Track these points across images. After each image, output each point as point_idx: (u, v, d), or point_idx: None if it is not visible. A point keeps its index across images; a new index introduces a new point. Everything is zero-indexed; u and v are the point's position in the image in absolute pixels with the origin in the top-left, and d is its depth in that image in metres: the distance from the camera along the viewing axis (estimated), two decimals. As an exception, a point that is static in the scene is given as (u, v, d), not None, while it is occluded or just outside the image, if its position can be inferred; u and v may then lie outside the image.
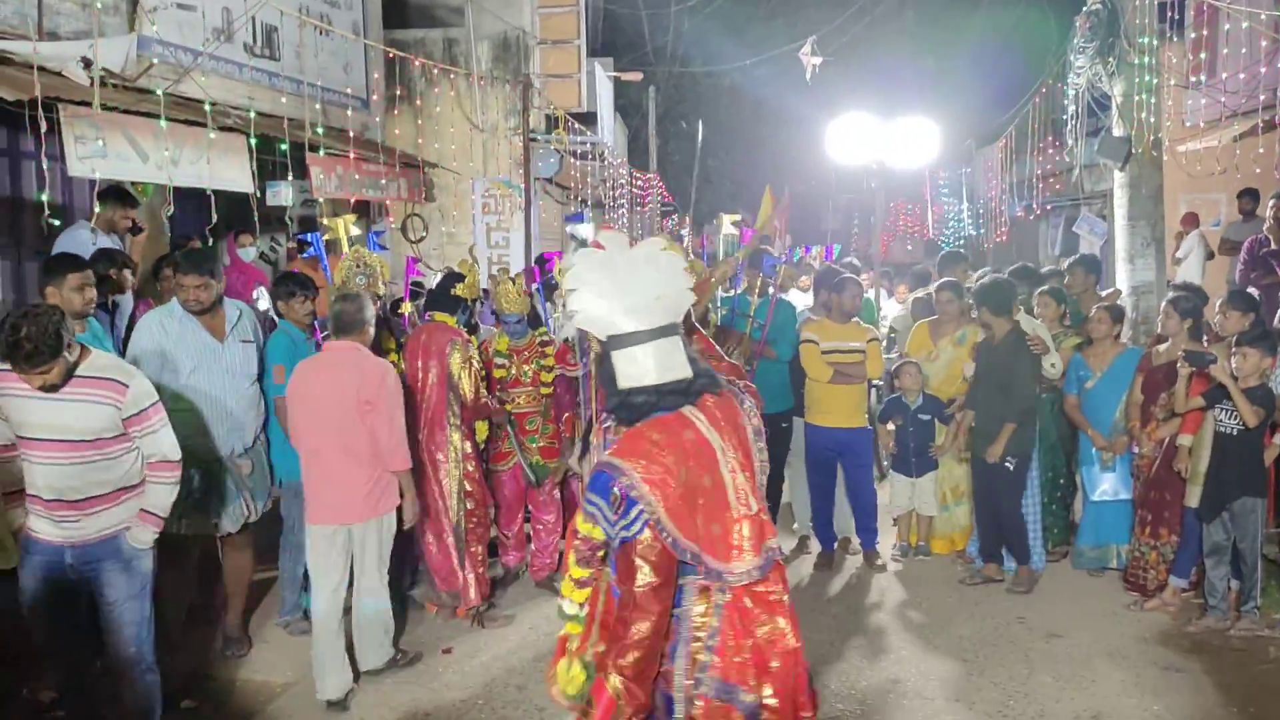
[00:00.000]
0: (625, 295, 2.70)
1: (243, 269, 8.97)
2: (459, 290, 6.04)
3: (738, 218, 7.84)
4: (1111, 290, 9.02)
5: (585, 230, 15.91)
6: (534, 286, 7.16)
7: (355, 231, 6.29)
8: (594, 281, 2.71)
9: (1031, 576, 6.44)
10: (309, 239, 6.60)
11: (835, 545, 7.11)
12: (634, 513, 2.61)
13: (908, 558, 7.13)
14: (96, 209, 6.70)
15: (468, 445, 5.80)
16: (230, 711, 4.87)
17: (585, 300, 2.72)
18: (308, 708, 4.93)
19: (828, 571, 6.89)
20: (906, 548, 7.20)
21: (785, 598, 2.85)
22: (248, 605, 5.76)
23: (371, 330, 5.20)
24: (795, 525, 7.50)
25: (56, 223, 6.04)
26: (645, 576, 2.62)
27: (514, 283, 6.23)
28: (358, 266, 5.84)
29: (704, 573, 2.71)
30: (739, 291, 7.43)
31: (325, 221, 6.31)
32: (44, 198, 5.81)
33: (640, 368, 2.70)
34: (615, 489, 2.63)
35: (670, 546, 2.63)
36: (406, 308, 6.56)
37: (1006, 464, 6.35)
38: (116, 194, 6.88)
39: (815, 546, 7.18)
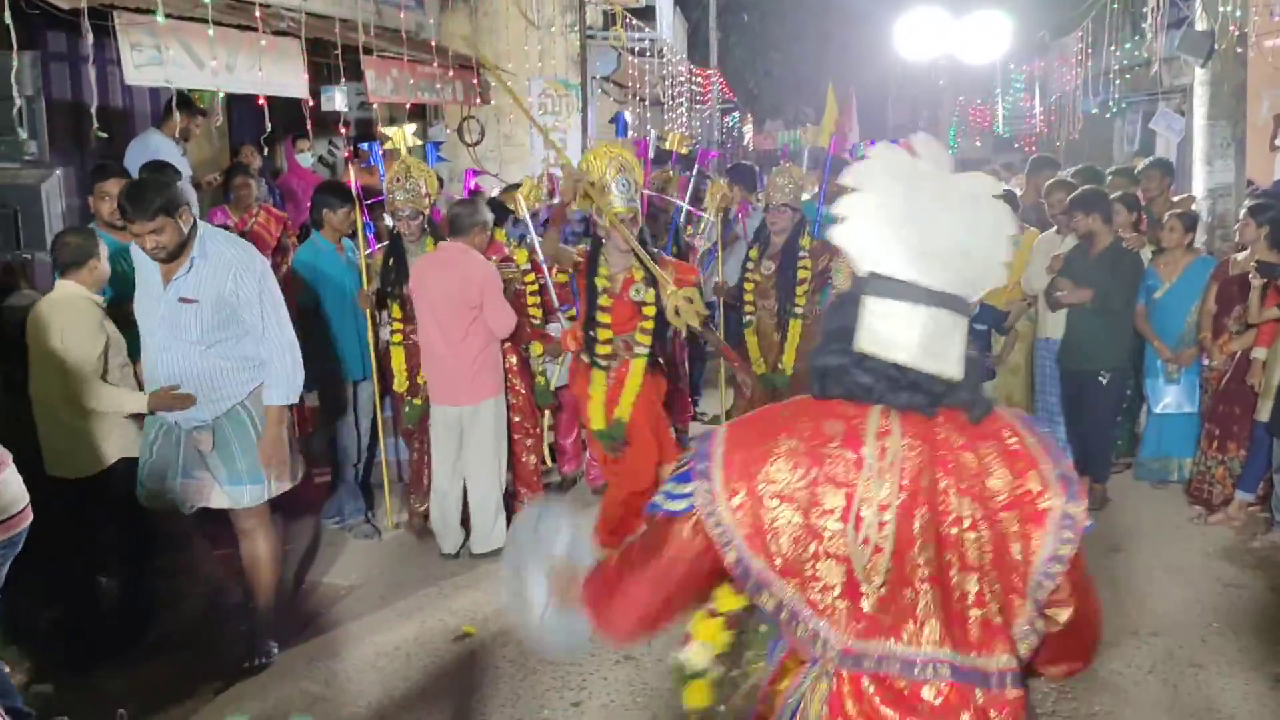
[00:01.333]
0: (924, 230, 1.75)
1: (301, 174, 9.00)
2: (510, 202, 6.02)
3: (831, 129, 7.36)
4: (1184, 196, 8.68)
5: None
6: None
7: (415, 142, 6.20)
8: (889, 191, 1.77)
9: (1104, 493, 6.33)
10: (367, 148, 6.48)
11: None
12: (686, 488, 1.79)
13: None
14: (173, 118, 6.86)
15: (512, 359, 5.82)
16: (296, 612, 5.02)
17: (865, 210, 1.77)
18: (373, 609, 5.08)
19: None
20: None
21: None
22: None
23: (486, 233, 5.52)
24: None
25: (104, 135, 6.05)
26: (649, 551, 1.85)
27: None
28: (397, 181, 5.65)
29: (797, 632, 1.78)
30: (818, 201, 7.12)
31: (384, 130, 6.17)
32: (93, 108, 5.77)
33: (901, 335, 1.74)
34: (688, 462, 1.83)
35: (731, 564, 1.76)
36: None
37: (1100, 378, 6.18)
38: (184, 101, 6.95)
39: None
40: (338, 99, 7.98)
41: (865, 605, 1.74)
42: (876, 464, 1.72)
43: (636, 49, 14.85)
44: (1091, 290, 5.99)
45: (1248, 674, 4.31)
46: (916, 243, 1.75)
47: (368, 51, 8.20)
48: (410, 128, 6.10)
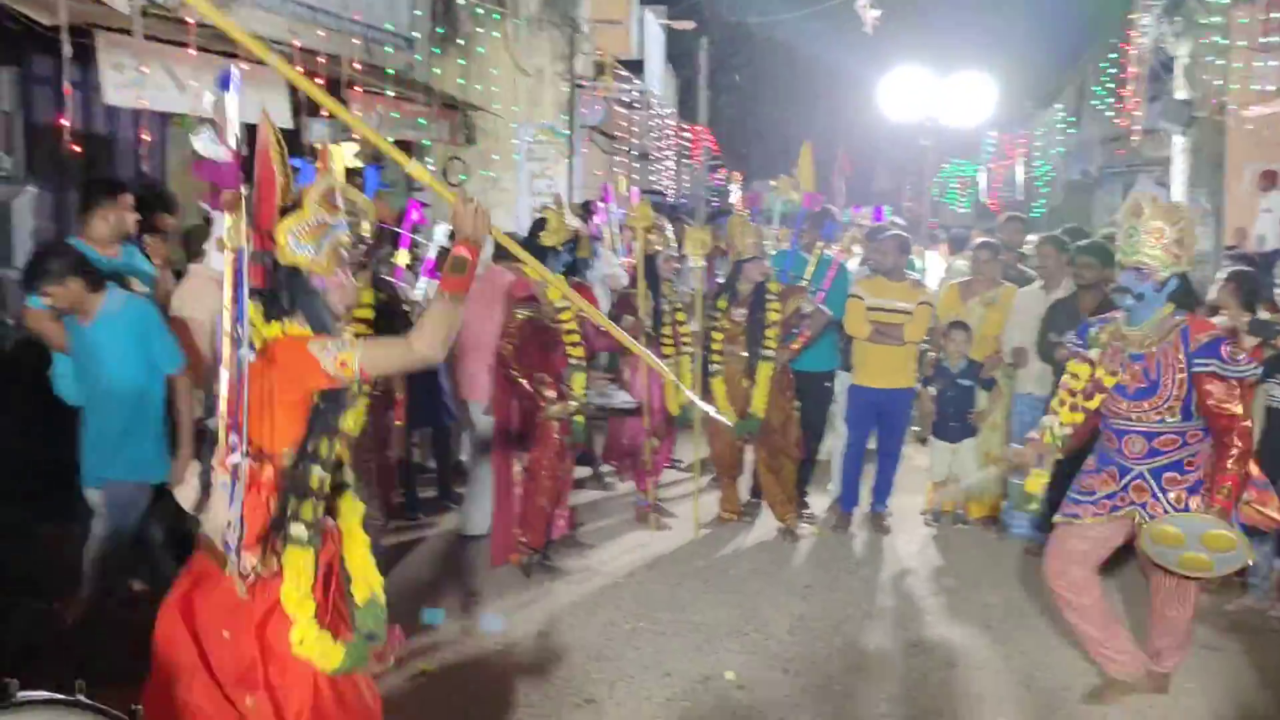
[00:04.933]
0: None
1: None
2: (544, 238, 5.71)
3: (797, 184, 7.40)
4: None
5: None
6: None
7: (355, 164, 5.30)
8: None
9: None
10: (298, 165, 5.68)
11: (855, 507, 7.02)
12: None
13: (940, 524, 7.01)
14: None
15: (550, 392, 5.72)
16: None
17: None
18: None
19: (844, 533, 6.81)
20: (939, 513, 7.07)
21: None
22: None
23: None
24: (830, 485, 7.40)
25: (78, 150, 5.89)
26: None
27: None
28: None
29: None
30: (794, 250, 7.17)
31: (319, 147, 5.25)
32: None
33: None
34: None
35: None
36: (402, 258, 6.14)
37: None
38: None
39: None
40: (317, 131, 7.95)
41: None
42: None
43: (627, 100, 14.99)
44: None
45: (1219, 736, 4.21)
46: None
47: (352, 85, 8.22)
48: (351, 146, 5.44)
